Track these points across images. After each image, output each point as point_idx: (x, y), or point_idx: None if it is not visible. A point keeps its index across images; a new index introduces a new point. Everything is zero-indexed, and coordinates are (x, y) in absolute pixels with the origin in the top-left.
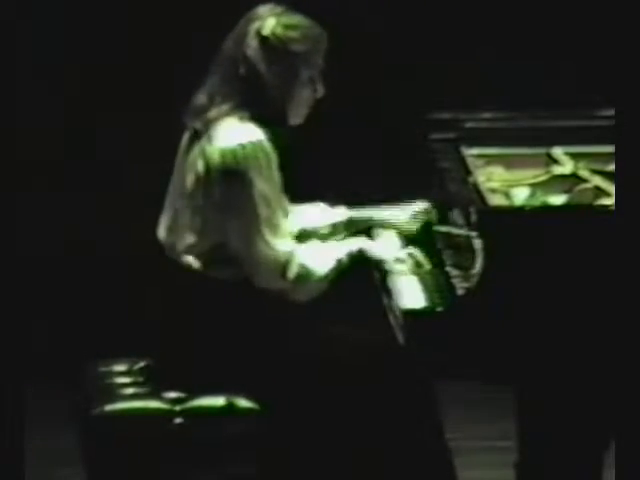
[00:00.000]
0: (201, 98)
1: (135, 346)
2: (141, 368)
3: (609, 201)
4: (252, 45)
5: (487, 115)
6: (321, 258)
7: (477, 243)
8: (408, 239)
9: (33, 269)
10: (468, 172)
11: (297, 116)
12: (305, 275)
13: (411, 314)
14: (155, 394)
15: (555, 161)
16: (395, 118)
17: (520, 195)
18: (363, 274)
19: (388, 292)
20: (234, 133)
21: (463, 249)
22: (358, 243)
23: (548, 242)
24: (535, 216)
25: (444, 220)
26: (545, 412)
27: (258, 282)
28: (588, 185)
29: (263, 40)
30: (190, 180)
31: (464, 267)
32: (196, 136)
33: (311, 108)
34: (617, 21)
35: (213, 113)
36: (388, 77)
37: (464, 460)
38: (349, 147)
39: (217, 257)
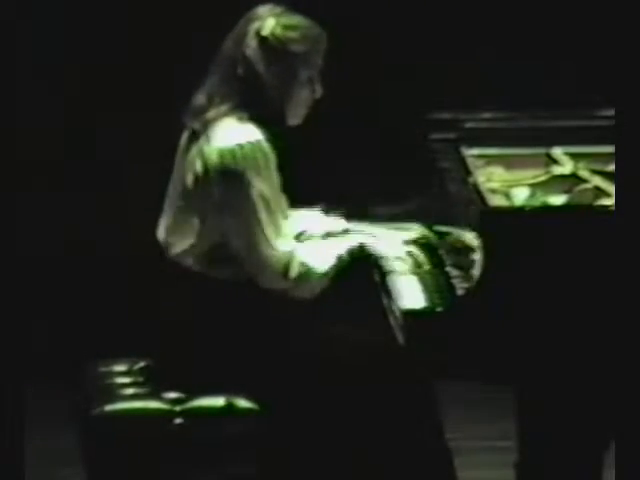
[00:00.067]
0: (200, 98)
1: (135, 346)
2: (141, 368)
3: (609, 201)
4: (251, 45)
5: (487, 115)
6: (321, 255)
7: (477, 243)
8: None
9: (33, 269)
10: (468, 172)
11: (296, 116)
12: (307, 273)
13: (411, 314)
14: (155, 394)
15: (555, 161)
16: (395, 118)
17: (520, 195)
18: (363, 274)
19: (388, 292)
20: (232, 133)
21: (463, 249)
22: (359, 239)
23: (548, 242)
24: (535, 216)
25: (444, 220)
26: (545, 412)
27: (261, 282)
28: (588, 185)
29: (262, 40)
30: (189, 180)
31: (464, 267)
32: (195, 136)
33: (310, 108)
34: (617, 21)
35: (212, 113)
36: (387, 77)
37: (464, 460)
38: (348, 147)
39: (216, 257)
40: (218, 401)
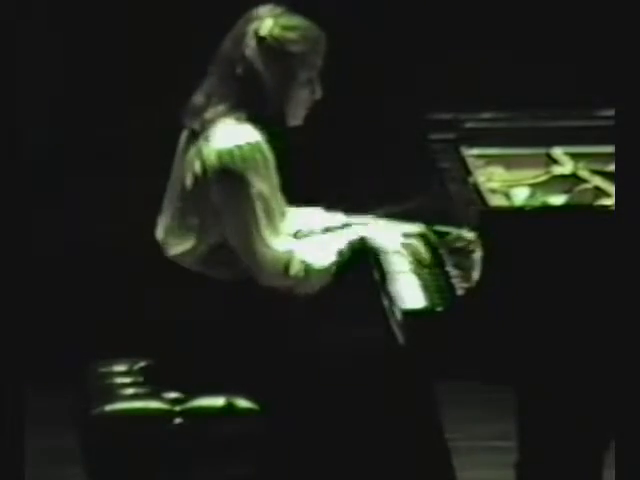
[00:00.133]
0: (199, 98)
1: (135, 346)
2: (141, 368)
3: (609, 201)
4: (250, 45)
5: (487, 115)
6: (321, 252)
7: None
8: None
9: (33, 269)
10: (468, 172)
11: (295, 117)
12: (307, 271)
13: (411, 314)
14: (155, 394)
15: (555, 161)
16: (395, 118)
17: (520, 195)
18: (363, 274)
19: (388, 293)
20: (231, 134)
21: (463, 249)
22: (359, 231)
23: (548, 242)
24: (535, 216)
25: (444, 220)
26: (545, 412)
27: (262, 281)
28: (588, 185)
29: (261, 40)
30: (188, 181)
31: (464, 267)
32: (194, 136)
33: (310, 109)
34: (617, 22)
35: (210, 113)
36: (388, 77)
37: (464, 460)
38: (348, 147)
39: (216, 258)
40: (218, 401)
